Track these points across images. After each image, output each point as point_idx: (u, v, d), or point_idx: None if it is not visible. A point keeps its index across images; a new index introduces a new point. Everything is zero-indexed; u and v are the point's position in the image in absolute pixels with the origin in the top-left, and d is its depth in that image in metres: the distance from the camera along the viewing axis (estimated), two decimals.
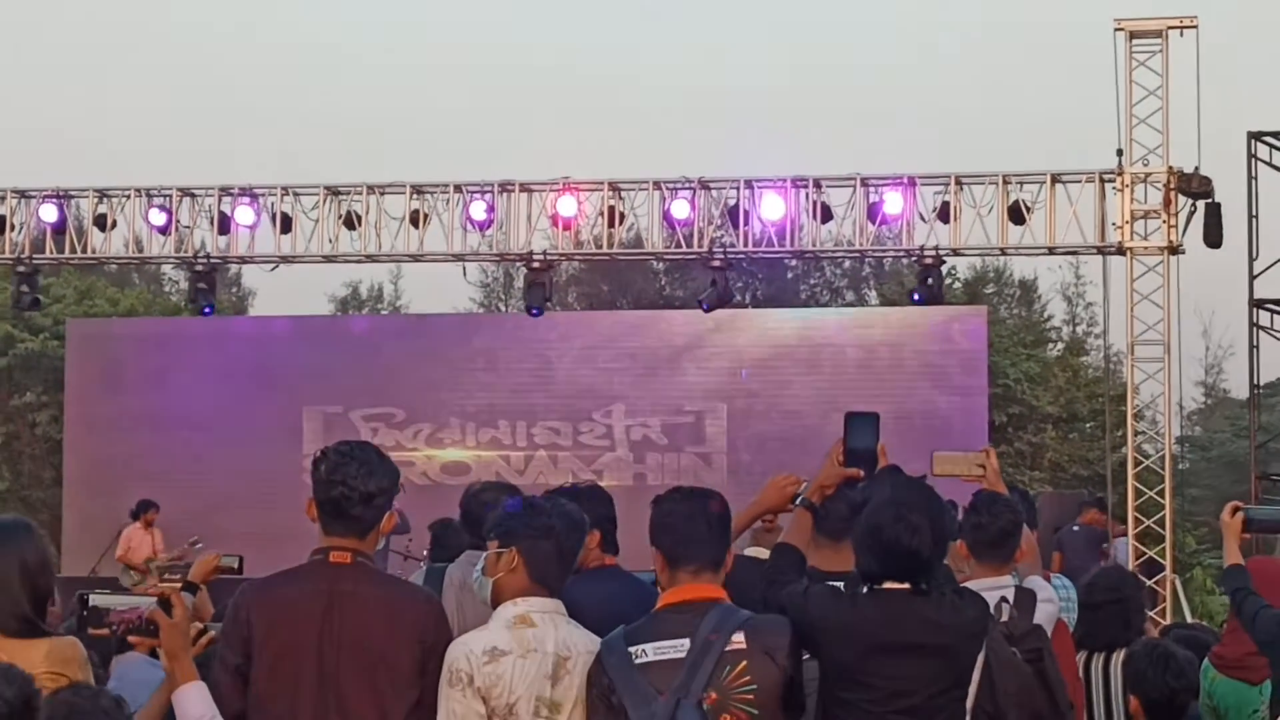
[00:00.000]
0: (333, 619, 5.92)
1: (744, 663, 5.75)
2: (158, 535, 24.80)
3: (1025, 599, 7.25)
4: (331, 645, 5.97)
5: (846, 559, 6.92)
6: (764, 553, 8.21)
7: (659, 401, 29.05)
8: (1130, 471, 23.49)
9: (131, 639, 5.62)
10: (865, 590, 6.02)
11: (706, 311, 24.92)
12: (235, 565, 7.90)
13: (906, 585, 5.94)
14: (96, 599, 5.52)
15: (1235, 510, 8.14)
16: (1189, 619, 21.50)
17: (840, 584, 6.15)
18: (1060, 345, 49.74)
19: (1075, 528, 22.55)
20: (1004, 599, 7.01)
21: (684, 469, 28.40)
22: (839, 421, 6.58)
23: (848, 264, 52.71)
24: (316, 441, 27.95)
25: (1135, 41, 23.40)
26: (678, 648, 5.77)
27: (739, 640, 5.78)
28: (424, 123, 71.42)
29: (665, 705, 5.65)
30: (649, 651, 5.79)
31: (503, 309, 55.42)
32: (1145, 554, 22.86)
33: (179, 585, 7.05)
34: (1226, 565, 8.24)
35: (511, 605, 6.01)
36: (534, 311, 25.07)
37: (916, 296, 24.02)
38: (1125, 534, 23.25)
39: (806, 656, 5.98)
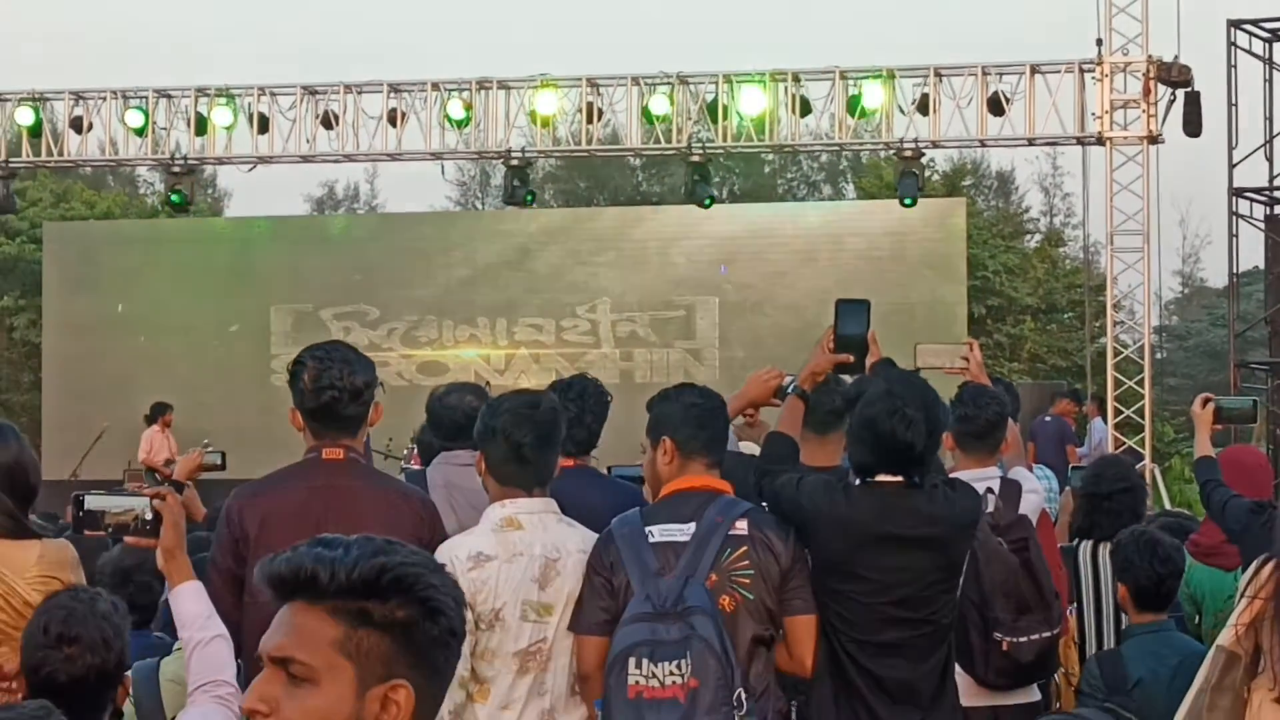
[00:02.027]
0: (328, 515, 5.85)
1: (744, 548, 5.80)
2: (171, 437, 24.77)
3: (1010, 490, 7.29)
4: None
5: (832, 453, 6.97)
6: (750, 448, 8.27)
7: (646, 296, 28.77)
8: (1110, 361, 23.59)
9: (127, 540, 5.62)
10: (858, 483, 6.06)
11: (704, 207, 24.90)
12: (218, 462, 7.94)
13: (900, 478, 5.97)
14: (92, 500, 5.51)
15: (1206, 401, 8.19)
16: (1168, 507, 21.62)
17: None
18: (1038, 237, 49.75)
19: (1047, 418, 22.63)
20: (989, 490, 7.04)
21: (673, 365, 28.32)
22: (828, 313, 6.60)
23: (825, 157, 52.65)
24: (285, 342, 28.05)
25: None
26: (684, 531, 5.81)
27: (741, 526, 5.83)
28: (402, 20, 70.90)
29: (673, 583, 5.70)
30: (655, 533, 5.83)
31: (480, 207, 55.33)
32: (1124, 443, 22.98)
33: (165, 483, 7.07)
34: (1197, 456, 8.28)
35: (499, 507, 5.98)
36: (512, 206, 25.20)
37: (907, 201, 23.80)
38: (1098, 415, 23.38)
39: None
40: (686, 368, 27.88)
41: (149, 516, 5.42)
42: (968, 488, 6.22)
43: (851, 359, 6.49)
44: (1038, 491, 7.76)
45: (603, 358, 28.46)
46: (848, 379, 6.54)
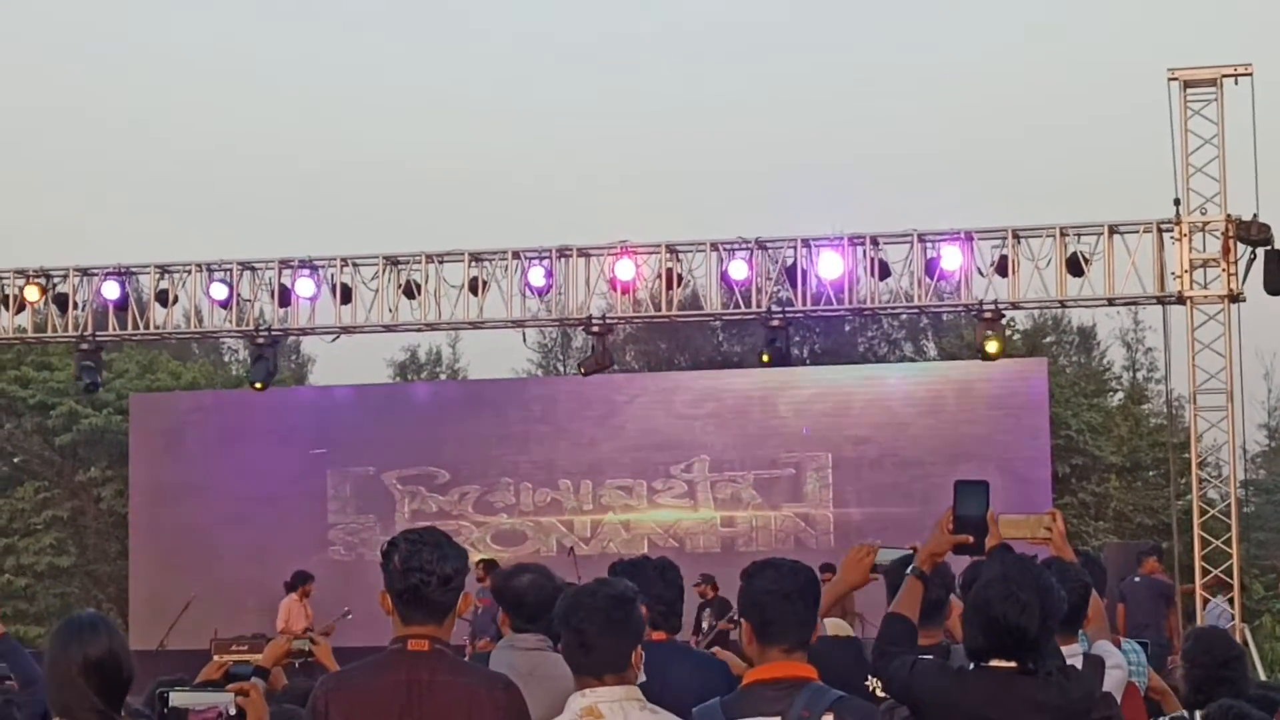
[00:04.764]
0: (412, 709, 5.91)
1: None
2: (309, 606, 24.70)
3: (1094, 666, 7.24)
4: None
5: (934, 632, 6.95)
6: (835, 624, 8.23)
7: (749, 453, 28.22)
8: (1196, 521, 23.39)
9: None
10: (972, 667, 6.03)
11: (766, 365, 24.95)
12: (306, 648, 7.90)
13: (1013, 664, 5.93)
14: (177, 698, 5.53)
15: None
16: (1258, 666, 21.34)
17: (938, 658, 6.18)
18: (1120, 394, 49.50)
19: (1137, 579, 22.34)
20: (1073, 668, 6.99)
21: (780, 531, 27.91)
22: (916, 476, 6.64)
23: (905, 316, 52.64)
24: (344, 508, 28.13)
25: (1190, 90, 23.36)
26: None
27: (829, 719, 5.79)
28: (482, 189, 71.64)
29: None
30: None
31: (562, 370, 55.53)
32: (1211, 602, 22.72)
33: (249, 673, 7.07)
34: None
35: (580, 696, 5.98)
36: (583, 372, 25.39)
37: (994, 349, 23.75)
38: (1192, 591, 22.98)
39: None
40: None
41: (232, 713, 5.43)
42: (1082, 675, 6.19)
43: (971, 540, 6.48)
44: (1121, 667, 7.69)
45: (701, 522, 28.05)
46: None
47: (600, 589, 6.13)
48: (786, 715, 5.75)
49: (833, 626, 7.91)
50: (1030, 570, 6.01)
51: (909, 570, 6.54)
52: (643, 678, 6.11)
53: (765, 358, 24.83)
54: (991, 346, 23.66)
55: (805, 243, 24.38)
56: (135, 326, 26.47)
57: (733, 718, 5.80)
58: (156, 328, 26.51)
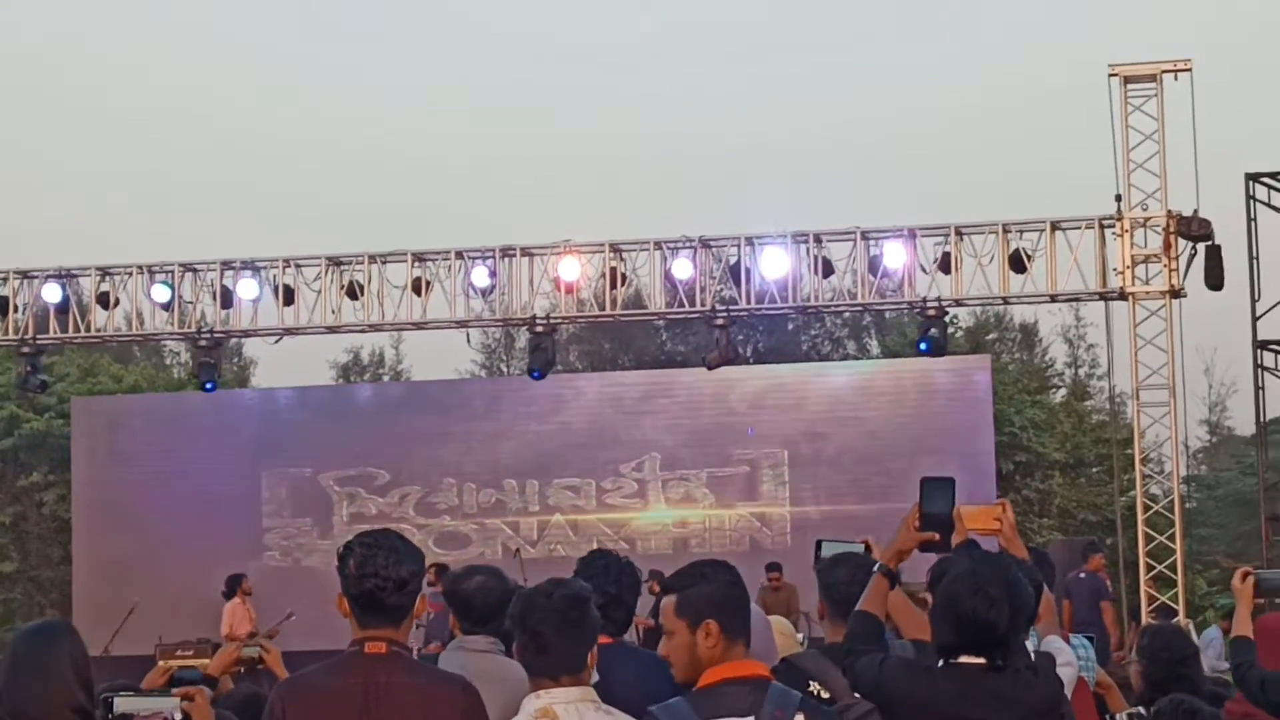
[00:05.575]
0: (370, 711, 5.90)
1: None
2: (251, 607, 24.58)
3: (1045, 662, 7.23)
4: None
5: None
6: (787, 625, 8.22)
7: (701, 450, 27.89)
8: (1140, 517, 23.51)
9: None
10: (941, 664, 6.02)
11: (710, 369, 25.01)
12: (256, 655, 7.84)
13: (982, 660, 5.93)
14: (122, 703, 5.50)
15: (1245, 575, 8.09)
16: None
17: (913, 656, 6.17)
18: (1063, 391, 49.71)
19: (1081, 575, 22.42)
20: (1040, 664, 6.99)
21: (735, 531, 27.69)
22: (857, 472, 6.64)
23: (848, 314, 52.76)
24: (278, 505, 27.98)
25: (1130, 86, 23.51)
26: None
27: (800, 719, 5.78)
28: (424, 189, 71.53)
29: None
30: None
31: (505, 370, 55.48)
32: (1158, 599, 22.84)
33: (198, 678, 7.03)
34: (1234, 635, 8.19)
35: (534, 698, 5.97)
36: (536, 375, 25.15)
37: (923, 347, 23.99)
38: (1189, 617, 22.97)
39: None
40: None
41: (178, 717, 5.40)
42: (1049, 671, 6.19)
43: (937, 537, 6.48)
44: (1072, 664, 7.68)
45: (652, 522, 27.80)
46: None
47: (555, 589, 6.12)
48: (759, 715, 5.73)
49: (778, 625, 7.89)
50: (999, 566, 6.01)
51: (875, 568, 6.54)
52: (596, 678, 6.09)
53: (709, 367, 24.87)
54: (925, 346, 23.81)
55: (749, 241, 24.42)
56: (76, 329, 26.31)
57: (706, 717, 5.76)
58: (98, 331, 26.39)
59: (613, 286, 24.95)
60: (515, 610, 6.04)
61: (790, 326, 52.10)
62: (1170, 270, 23.22)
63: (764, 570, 23.79)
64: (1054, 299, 24.52)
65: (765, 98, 76.17)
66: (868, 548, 7.02)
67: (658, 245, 24.69)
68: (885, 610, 6.44)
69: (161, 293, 25.45)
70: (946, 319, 24.51)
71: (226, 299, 25.54)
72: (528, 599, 6.04)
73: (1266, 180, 24.70)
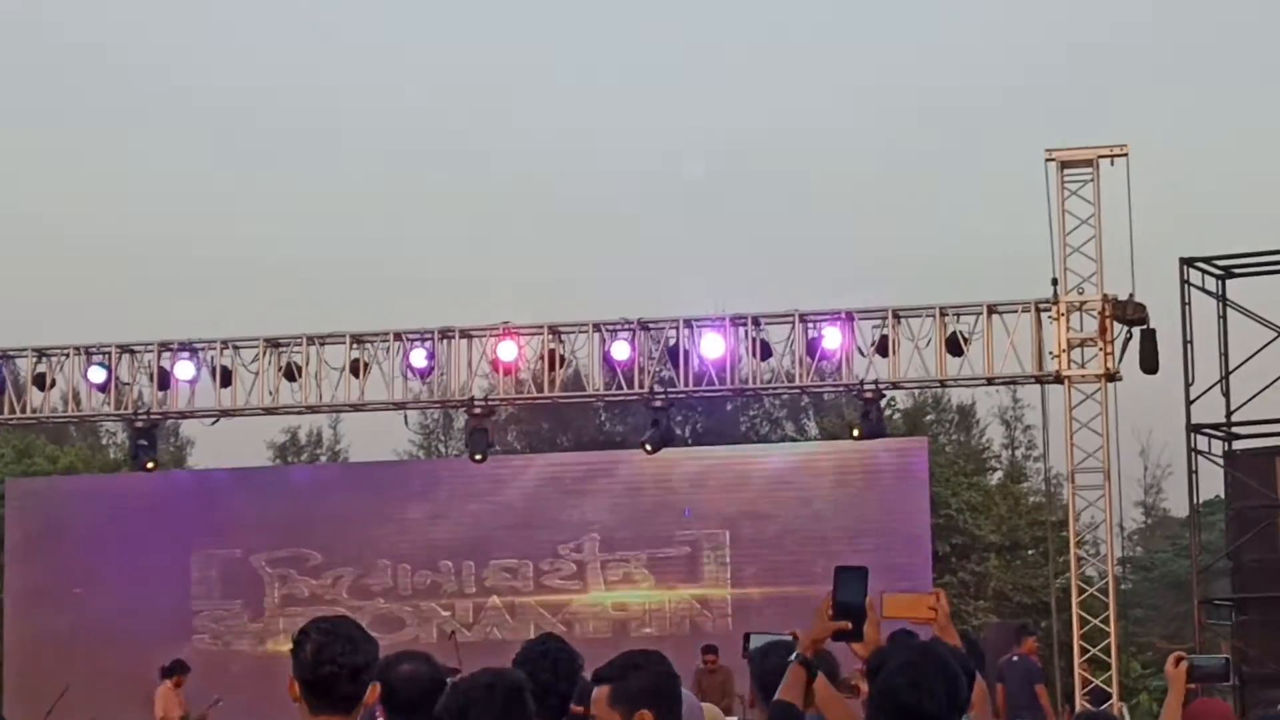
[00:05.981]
0: None
1: None
2: (181, 695, 24.38)
3: None
4: None
5: None
6: (711, 710, 8.22)
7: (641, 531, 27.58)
8: (1075, 599, 23.54)
9: None
10: None
11: (650, 453, 25.06)
12: None
13: None
14: None
15: (1179, 660, 8.11)
16: None
17: None
18: (1000, 473, 49.88)
19: (1015, 658, 22.46)
20: None
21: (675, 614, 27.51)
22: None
23: (786, 395, 52.90)
24: (206, 590, 27.71)
25: (1067, 171, 23.68)
26: None
27: None
28: (364, 273, 71.45)
29: None
30: None
31: (443, 451, 55.39)
32: (1092, 682, 22.87)
33: None
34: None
35: None
36: (476, 459, 25.18)
37: (857, 434, 24.13)
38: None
39: None
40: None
41: None
42: None
43: (850, 626, 6.51)
44: None
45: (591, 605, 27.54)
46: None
47: (496, 681, 6.09)
48: None
49: (710, 713, 7.90)
50: (936, 656, 6.03)
51: (792, 657, 6.56)
52: None
53: (647, 447, 24.93)
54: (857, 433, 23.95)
55: (688, 323, 24.51)
56: (12, 410, 26.20)
57: None
58: (33, 411, 26.28)
59: (551, 368, 24.99)
60: (452, 704, 6.00)
61: (729, 407, 52.19)
62: (1106, 354, 23.36)
63: (699, 652, 23.74)
64: (990, 382, 24.67)
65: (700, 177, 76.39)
66: (795, 638, 7.05)
67: (596, 327, 24.75)
68: (803, 699, 6.46)
69: (98, 374, 25.39)
70: (884, 401, 24.61)
71: (164, 380, 25.49)
72: (465, 694, 6.01)
73: (1201, 265, 24.94)
